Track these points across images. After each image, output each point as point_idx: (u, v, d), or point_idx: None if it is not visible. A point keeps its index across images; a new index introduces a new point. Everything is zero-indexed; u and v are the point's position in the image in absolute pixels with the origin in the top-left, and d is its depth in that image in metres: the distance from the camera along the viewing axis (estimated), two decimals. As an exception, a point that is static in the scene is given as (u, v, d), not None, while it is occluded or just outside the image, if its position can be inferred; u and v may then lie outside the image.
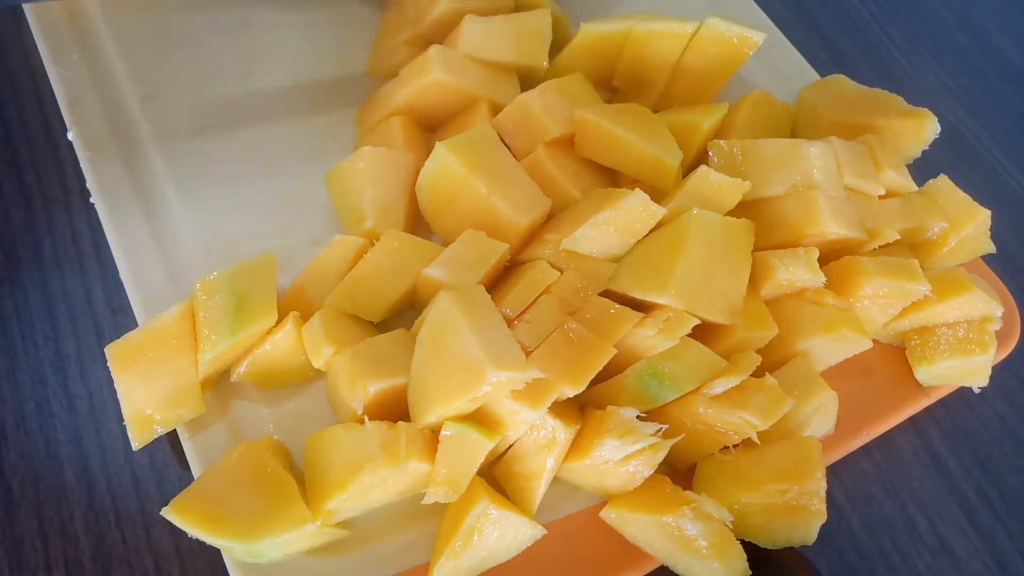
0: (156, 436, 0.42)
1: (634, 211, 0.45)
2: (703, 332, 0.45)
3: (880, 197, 0.52)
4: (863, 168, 0.51)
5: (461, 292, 0.41)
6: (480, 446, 0.40)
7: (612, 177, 0.53)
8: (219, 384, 0.45)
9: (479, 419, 0.41)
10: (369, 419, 0.40)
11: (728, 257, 0.45)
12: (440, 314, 0.41)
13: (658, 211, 0.46)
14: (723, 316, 0.44)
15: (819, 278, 0.46)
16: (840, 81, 0.59)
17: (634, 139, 0.48)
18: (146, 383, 0.42)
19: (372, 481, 0.39)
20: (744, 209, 0.48)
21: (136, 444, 0.42)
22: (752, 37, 0.53)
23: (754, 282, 0.47)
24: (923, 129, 0.54)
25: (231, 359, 0.44)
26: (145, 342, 0.42)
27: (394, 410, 0.42)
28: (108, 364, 0.41)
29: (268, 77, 0.56)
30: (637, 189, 0.45)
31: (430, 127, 0.55)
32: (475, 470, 0.40)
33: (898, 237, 0.50)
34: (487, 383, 0.38)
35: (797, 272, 0.46)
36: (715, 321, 0.44)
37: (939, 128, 0.54)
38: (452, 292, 0.41)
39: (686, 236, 0.44)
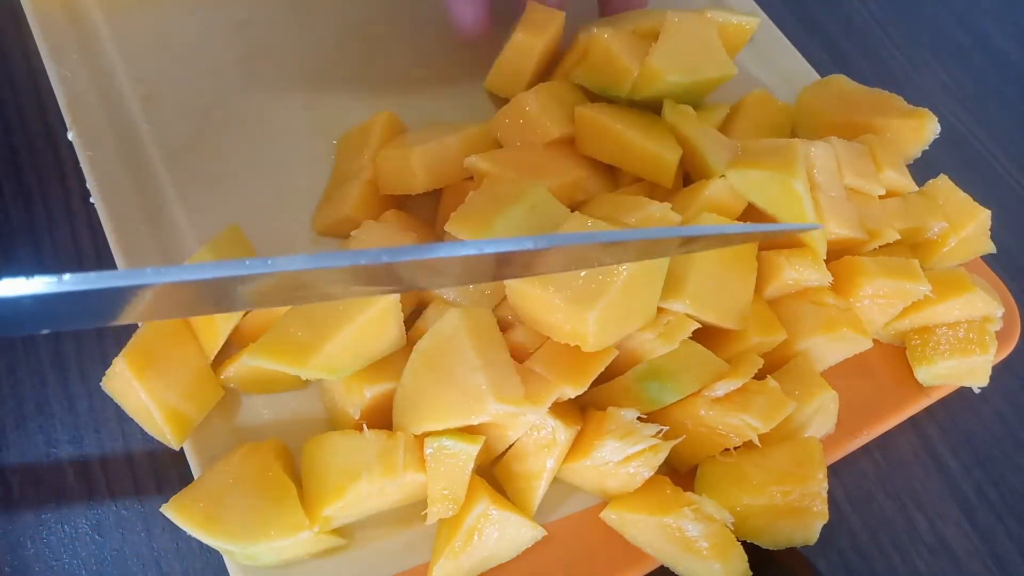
0: (192, 429, 0.42)
1: (651, 218, 0.45)
2: (712, 337, 0.45)
3: (880, 197, 0.52)
4: (863, 168, 0.51)
5: (471, 314, 0.41)
6: (466, 455, 0.39)
7: (612, 176, 0.53)
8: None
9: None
10: (367, 425, 0.40)
11: (737, 262, 0.45)
12: (446, 330, 0.40)
13: (675, 218, 0.46)
14: (734, 322, 0.44)
15: (826, 277, 0.46)
16: (840, 81, 0.59)
17: (634, 135, 0.49)
18: (166, 379, 0.41)
19: (369, 490, 0.39)
20: (745, 211, 0.48)
21: (176, 444, 0.42)
22: (745, 24, 0.55)
23: (759, 283, 0.47)
24: (923, 129, 0.54)
25: (234, 336, 0.44)
26: (150, 340, 0.42)
27: (390, 415, 0.42)
28: (126, 369, 0.41)
29: (268, 77, 0.56)
30: (666, 204, 0.45)
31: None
32: (467, 478, 0.40)
33: (898, 237, 0.50)
34: (486, 413, 0.38)
35: (804, 271, 0.46)
36: (725, 327, 0.44)
37: (939, 128, 0.54)
38: (462, 312, 0.41)
39: None
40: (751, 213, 0.48)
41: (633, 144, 0.49)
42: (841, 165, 0.50)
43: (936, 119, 0.54)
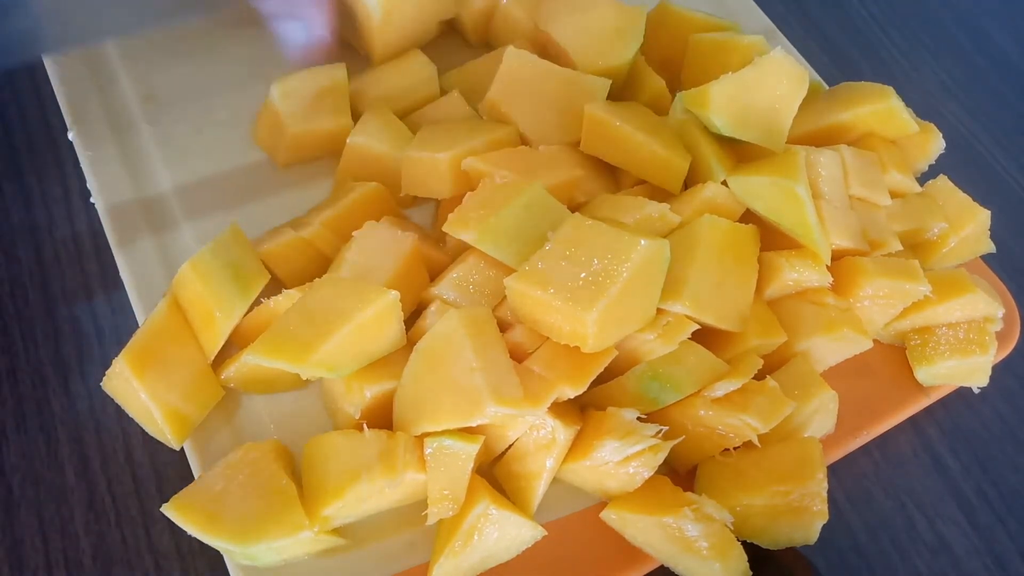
0: (192, 429, 0.42)
1: (650, 219, 0.45)
2: (713, 339, 0.45)
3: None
4: (871, 178, 0.50)
5: (471, 315, 0.41)
6: (465, 455, 0.40)
7: (612, 177, 0.53)
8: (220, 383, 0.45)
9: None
10: (367, 425, 0.40)
11: (738, 264, 0.45)
12: (445, 331, 0.40)
13: (674, 219, 0.46)
14: (732, 324, 0.44)
15: (827, 277, 0.46)
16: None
17: (644, 138, 0.48)
18: (166, 379, 0.42)
19: (369, 490, 0.39)
20: (747, 220, 0.48)
21: (176, 444, 0.42)
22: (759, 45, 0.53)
23: (760, 284, 0.47)
24: (929, 143, 0.54)
25: (234, 336, 0.44)
26: (150, 340, 0.42)
27: (390, 415, 0.42)
28: (126, 369, 0.41)
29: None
30: (664, 204, 0.45)
31: None
32: (467, 478, 0.40)
33: (900, 248, 0.50)
34: (484, 415, 0.38)
35: (804, 272, 0.46)
36: (724, 329, 0.44)
37: (944, 145, 0.54)
38: (461, 313, 0.41)
39: (698, 243, 0.44)
40: (751, 217, 0.48)
41: (642, 147, 0.48)
42: (848, 174, 0.49)
43: (940, 134, 0.54)
